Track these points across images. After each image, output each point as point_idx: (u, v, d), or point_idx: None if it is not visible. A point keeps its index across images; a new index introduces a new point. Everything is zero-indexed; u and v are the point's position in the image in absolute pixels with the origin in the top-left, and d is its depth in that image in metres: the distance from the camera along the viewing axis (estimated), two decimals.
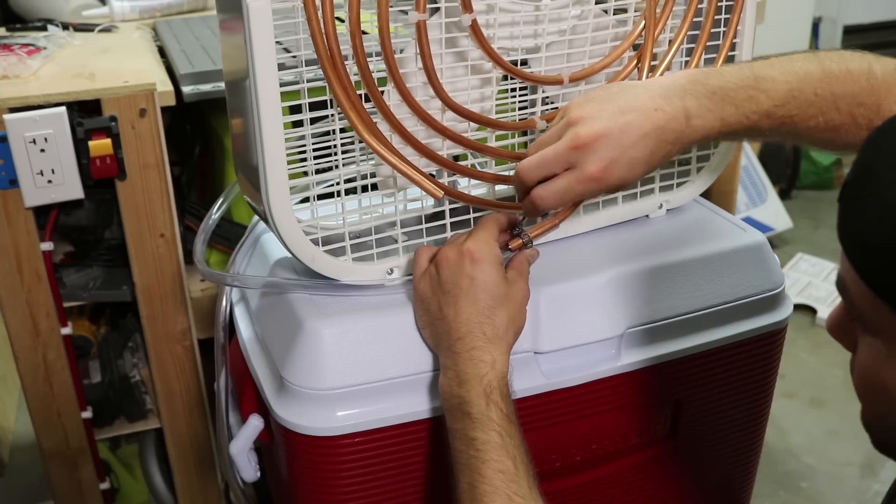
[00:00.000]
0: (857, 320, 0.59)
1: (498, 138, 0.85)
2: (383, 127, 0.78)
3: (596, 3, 0.84)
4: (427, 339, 0.80)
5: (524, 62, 0.85)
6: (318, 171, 0.81)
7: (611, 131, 0.73)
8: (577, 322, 0.84)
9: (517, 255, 0.82)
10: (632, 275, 0.87)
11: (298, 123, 0.77)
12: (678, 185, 0.98)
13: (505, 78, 0.84)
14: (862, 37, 3.63)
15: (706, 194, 1.01)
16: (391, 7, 0.73)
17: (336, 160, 0.80)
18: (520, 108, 0.89)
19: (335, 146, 0.79)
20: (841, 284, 0.58)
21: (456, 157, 0.85)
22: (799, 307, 2.42)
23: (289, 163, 0.77)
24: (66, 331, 1.29)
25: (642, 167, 0.75)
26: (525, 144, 0.90)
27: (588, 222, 0.93)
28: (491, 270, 0.77)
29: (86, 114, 1.19)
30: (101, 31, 1.51)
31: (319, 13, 0.71)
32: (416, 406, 0.80)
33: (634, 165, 0.74)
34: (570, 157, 0.74)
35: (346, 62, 0.74)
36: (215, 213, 0.98)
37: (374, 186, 0.84)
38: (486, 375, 0.74)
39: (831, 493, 1.79)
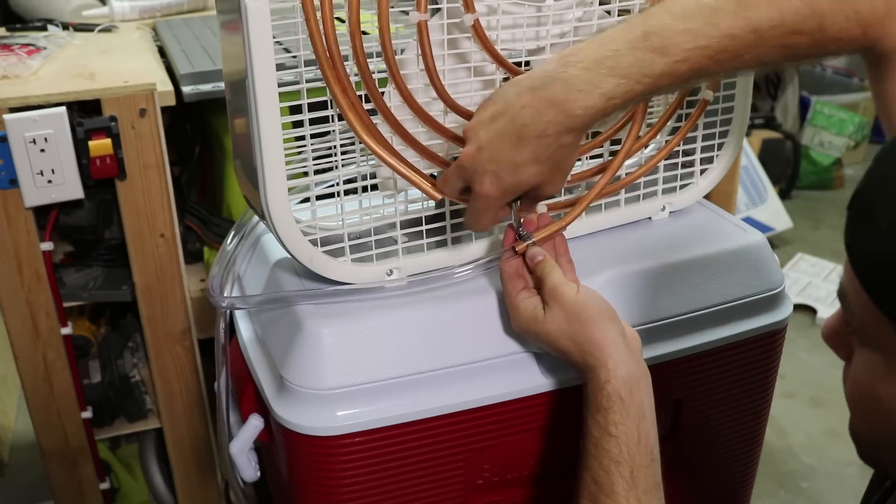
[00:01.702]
0: (855, 332, 0.58)
1: None
2: (384, 128, 0.78)
3: (599, 5, 0.84)
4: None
5: (526, 63, 0.85)
6: (317, 172, 0.80)
7: (485, 145, 0.72)
8: None
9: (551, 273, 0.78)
10: (632, 275, 0.87)
11: (298, 124, 0.77)
12: (681, 187, 0.98)
13: (507, 79, 0.84)
14: None
15: (706, 194, 1.01)
16: (392, 7, 0.73)
17: (336, 161, 0.80)
18: None
19: (335, 147, 0.79)
20: (842, 294, 0.57)
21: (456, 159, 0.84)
22: (799, 307, 2.42)
23: (288, 163, 0.77)
24: (66, 331, 1.29)
25: (534, 167, 0.71)
26: None
27: (590, 224, 0.93)
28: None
29: (86, 114, 1.19)
30: (101, 31, 1.51)
31: (318, 13, 0.71)
32: (416, 406, 0.80)
33: (523, 169, 0.71)
34: (463, 177, 0.75)
35: (346, 62, 0.74)
36: (230, 243, 0.96)
37: (374, 187, 0.84)
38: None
39: (831, 493, 1.79)
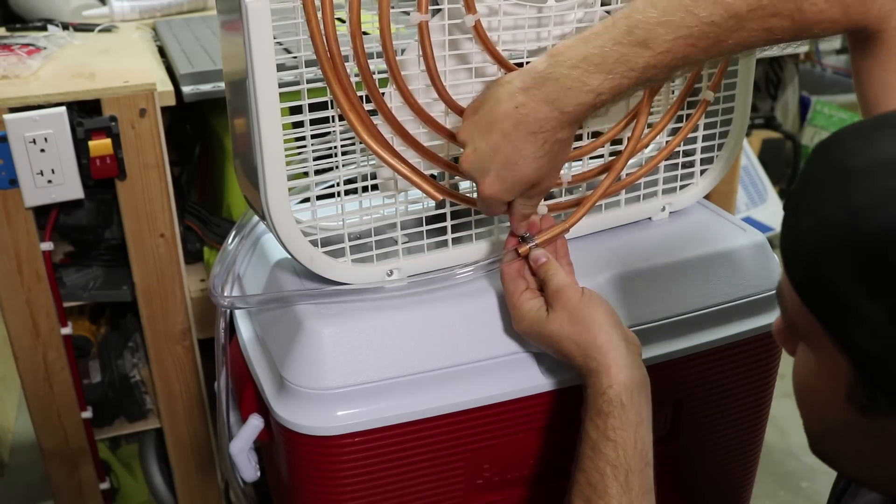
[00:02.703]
0: (789, 328, 0.59)
1: None
2: (384, 129, 0.78)
3: (601, 6, 0.84)
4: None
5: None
6: (318, 172, 0.80)
7: (482, 146, 0.74)
8: None
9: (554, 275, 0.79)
10: (632, 275, 0.87)
11: (299, 124, 0.77)
12: (681, 187, 0.98)
13: None
14: None
15: (706, 194, 1.01)
16: (393, 8, 0.73)
17: (336, 161, 0.80)
18: None
19: (335, 147, 0.79)
20: (779, 293, 0.59)
21: (457, 159, 0.84)
22: None
23: (289, 163, 0.77)
24: (66, 331, 1.29)
25: (534, 163, 0.73)
26: None
27: (590, 225, 0.93)
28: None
29: (86, 114, 1.19)
30: (101, 31, 1.51)
31: (319, 14, 0.71)
32: (415, 406, 0.80)
33: (524, 165, 0.73)
34: (469, 177, 0.77)
35: (346, 63, 0.74)
36: (231, 243, 0.96)
37: (375, 187, 0.84)
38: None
39: None
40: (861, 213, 0.50)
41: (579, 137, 0.88)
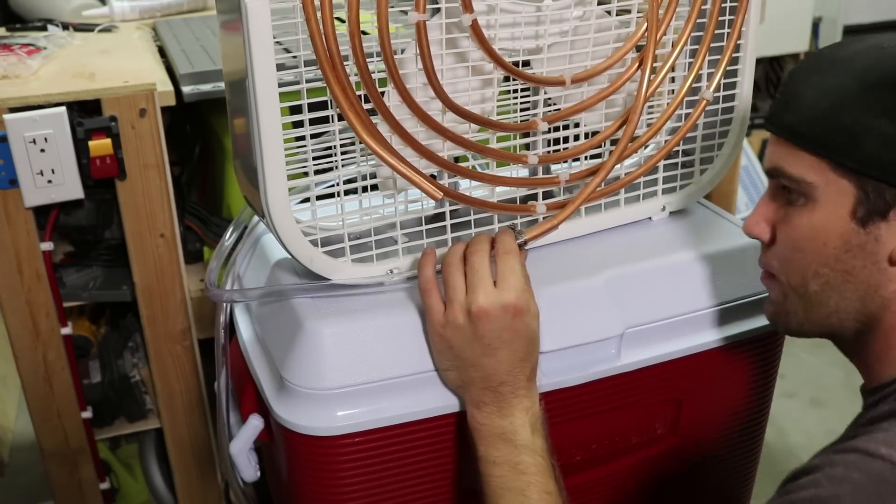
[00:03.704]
0: (794, 193, 0.72)
1: (499, 139, 0.85)
2: (383, 128, 0.78)
3: (598, 4, 0.84)
4: (450, 381, 0.80)
5: (526, 63, 0.85)
6: (317, 172, 0.80)
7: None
8: (577, 322, 0.84)
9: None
10: (632, 275, 0.87)
11: (299, 124, 0.77)
12: (681, 187, 0.98)
13: (506, 79, 0.84)
14: None
15: (706, 194, 1.01)
16: (391, 7, 0.73)
17: (336, 161, 0.80)
18: (521, 110, 0.89)
19: (335, 147, 0.79)
20: (775, 171, 0.73)
21: (457, 159, 0.84)
22: None
23: (288, 163, 0.77)
24: (66, 331, 1.29)
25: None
26: (527, 146, 0.90)
27: (590, 224, 0.93)
28: (532, 321, 0.78)
29: (86, 114, 1.19)
30: (101, 31, 1.51)
31: (318, 13, 0.71)
32: (415, 406, 0.80)
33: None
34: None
35: (346, 62, 0.74)
36: (227, 239, 0.97)
37: (374, 187, 0.84)
38: (531, 409, 0.78)
39: None
40: (866, 69, 0.68)
41: (577, 137, 0.88)
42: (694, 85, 0.90)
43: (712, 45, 0.89)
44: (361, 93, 0.75)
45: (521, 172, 0.90)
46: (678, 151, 0.96)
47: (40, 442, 1.35)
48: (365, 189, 0.83)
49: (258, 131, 0.74)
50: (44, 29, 1.48)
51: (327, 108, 0.78)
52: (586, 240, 0.93)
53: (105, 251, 1.34)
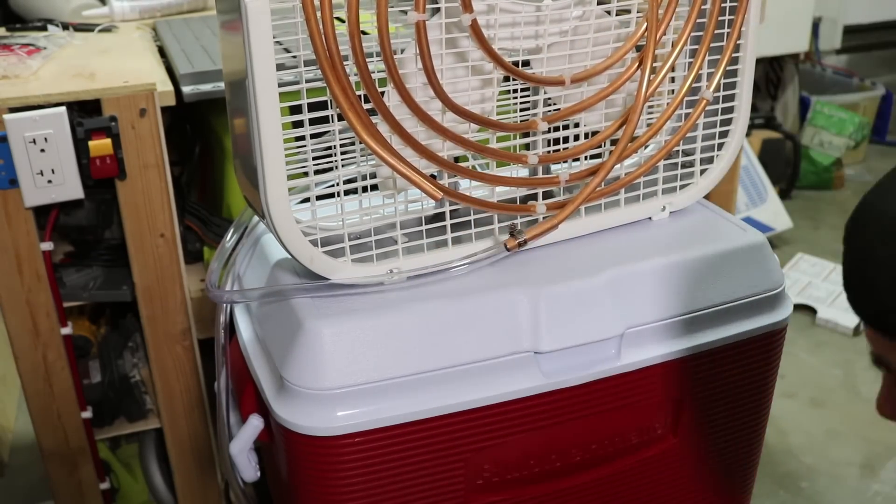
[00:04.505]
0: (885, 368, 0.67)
1: (499, 139, 0.85)
2: (383, 128, 0.78)
3: (598, 4, 0.84)
4: None
5: (525, 63, 0.85)
6: (317, 172, 0.80)
7: None
8: (577, 322, 0.84)
9: None
10: (632, 275, 0.87)
11: (298, 124, 0.77)
12: (681, 187, 0.98)
13: (506, 79, 0.84)
14: (862, 37, 3.62)
15: (706, 194, 1.01)
16: (391, 7, 0.73)
17: (336, 161, 0.80)
18: (521, 109, 0.89)
19: (335, 146, 0.79)
20: (880, 360, 0.68)
21: (457, 159, 0.85)
22: (799, 307, 2.42)
23: (288, 163, 0.77)
24: (66, 331, 1.29)
25: None
26: (527, 146, 0.90)
27: (590, 224, 0.93)
28: None
29: (86, 114, 1.19)
30: (101, 31, 1.51)
31: (318, 13, 0.71)
32: (415, 406, 0.80)
33: None
34: None
35: (346, 62, 0.74)
36: (228, 241, 0.97)
37: (374, 187, 0.84)
38: None
39: (831, 493, 1.79)
40: None
41: (577, 137, 0.89)
42: (694, 85, 0.90)
43: (712, 45, 0.89)
44: (361, 93, 0.76)
45: (521, 172, 0.90)
46: (678, 151, 0.96)
47: (40, 442, 1.35)
48: (365, 189, 0.83)
49: (258, 131, 0.74)
50: (44, 29, 1.48)
51: (327, 108, 0.78)
52: (586, 240, 0.93)
53: (105, 251, 1.34)
